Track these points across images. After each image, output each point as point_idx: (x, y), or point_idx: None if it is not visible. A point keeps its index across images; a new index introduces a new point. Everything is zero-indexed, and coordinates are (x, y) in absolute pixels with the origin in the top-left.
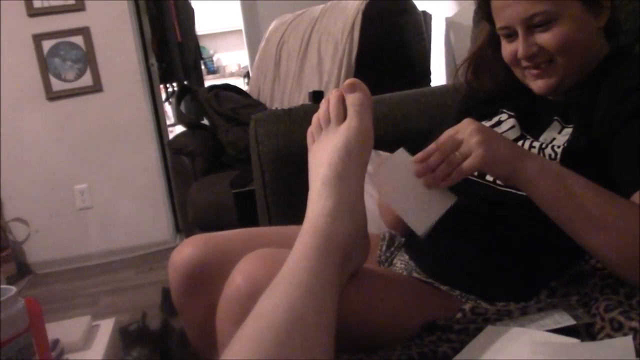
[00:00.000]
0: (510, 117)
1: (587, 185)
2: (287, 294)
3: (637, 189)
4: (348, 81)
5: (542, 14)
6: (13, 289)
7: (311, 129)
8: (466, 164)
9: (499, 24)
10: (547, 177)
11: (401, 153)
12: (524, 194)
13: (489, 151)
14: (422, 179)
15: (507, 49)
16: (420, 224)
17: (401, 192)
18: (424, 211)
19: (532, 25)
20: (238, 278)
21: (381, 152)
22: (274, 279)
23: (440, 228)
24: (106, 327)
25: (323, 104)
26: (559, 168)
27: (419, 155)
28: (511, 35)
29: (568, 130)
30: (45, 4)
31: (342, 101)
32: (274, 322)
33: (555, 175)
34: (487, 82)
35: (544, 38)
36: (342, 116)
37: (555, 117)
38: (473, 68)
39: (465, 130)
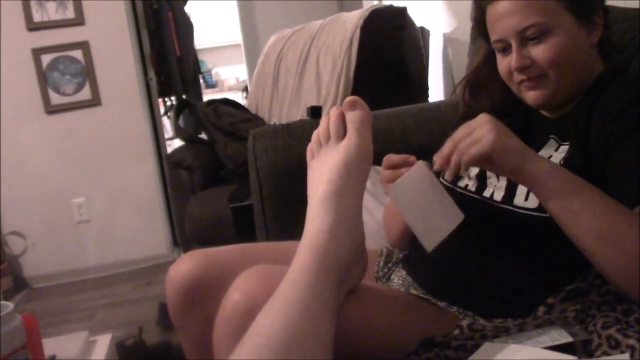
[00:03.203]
0: None
1: (595, 191)
2: (285, 311)
3: (635, 206)
4: (349, 99)
5: (536, 26)
6: (10, 305)
7: (311, 145)
8: (476, 147)
9: (493, 37)
10: (557, 176)
11: (421, 166)
12: (520, 210)
13: (499, 140)
14: (436, 195)
15: (502, 63)
16: (430, 240)
17: (417, 205)
18: (434, 228)
19: (525, 38)
20: (235, 294)
21: (379, 168)
22: (272, 296)
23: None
24: (103, 343)
25: (323, 121)
26: (569, 172)
27: (438, 157)
28: (506, 50)
29: (564, 148)
30: (45, 18)
31: (342, 118)
32: (271, 339)
33: (565, 176)
34: (484, 100)
35: (538, 51)
36: (342, 133)
37: (552, 135)
38: (469, 87)
39: (478, 120)
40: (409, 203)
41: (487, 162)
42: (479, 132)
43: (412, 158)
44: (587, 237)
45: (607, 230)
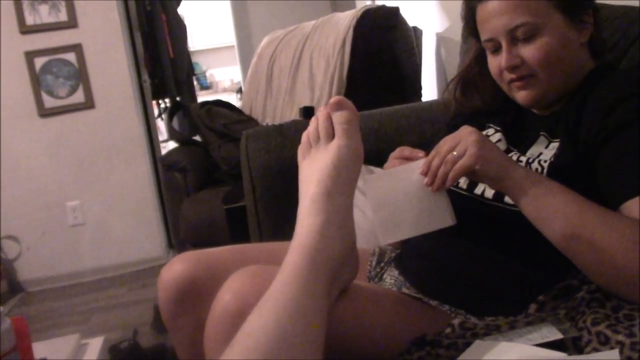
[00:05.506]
0: (496, 131)
1: (569, 195)
2: (276, 312)
3: (624, 200)
4: (333, 99)
5: (525, 25)
6: (0, 309)
7: (301, 147)
8: (461, 161)
9: (483, 36)
10: (534, 183)
11: (409, 168)
12: (511, 207)
13: (482, 150)
14: (420, 194)
15: (493, 62)
16: (385, 236)
17: (383, 202)
18: (395, 226)
19: (515, 38)
20: (226, 295)
21: (372, 167)
22: (263, 297)
23: (430, 243)
24: (95, 346)
25: (312, 122)
26: (547, 179)
27: (423, 166)
28: (496, 49)
29: (555, 145)
30: (38, 21)
31: (330, 119)
32: (262, 340)
33: (542, 183)
34: (475, 99)
35: (527, 50)
36: (331, 134)
37: (542, 132)
38: (461, 86)
39: (462, 132)
40: (377, 197)
41: (471, 172)
42: (463, 145)
43: (421, 154)
44: (560, 237)
45: (578, 231)
